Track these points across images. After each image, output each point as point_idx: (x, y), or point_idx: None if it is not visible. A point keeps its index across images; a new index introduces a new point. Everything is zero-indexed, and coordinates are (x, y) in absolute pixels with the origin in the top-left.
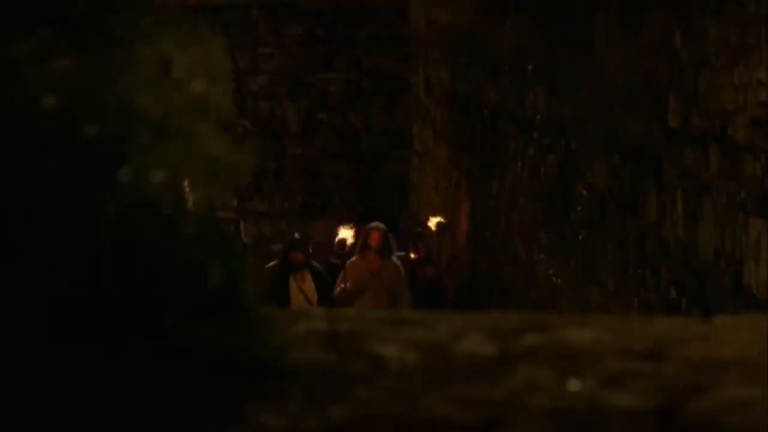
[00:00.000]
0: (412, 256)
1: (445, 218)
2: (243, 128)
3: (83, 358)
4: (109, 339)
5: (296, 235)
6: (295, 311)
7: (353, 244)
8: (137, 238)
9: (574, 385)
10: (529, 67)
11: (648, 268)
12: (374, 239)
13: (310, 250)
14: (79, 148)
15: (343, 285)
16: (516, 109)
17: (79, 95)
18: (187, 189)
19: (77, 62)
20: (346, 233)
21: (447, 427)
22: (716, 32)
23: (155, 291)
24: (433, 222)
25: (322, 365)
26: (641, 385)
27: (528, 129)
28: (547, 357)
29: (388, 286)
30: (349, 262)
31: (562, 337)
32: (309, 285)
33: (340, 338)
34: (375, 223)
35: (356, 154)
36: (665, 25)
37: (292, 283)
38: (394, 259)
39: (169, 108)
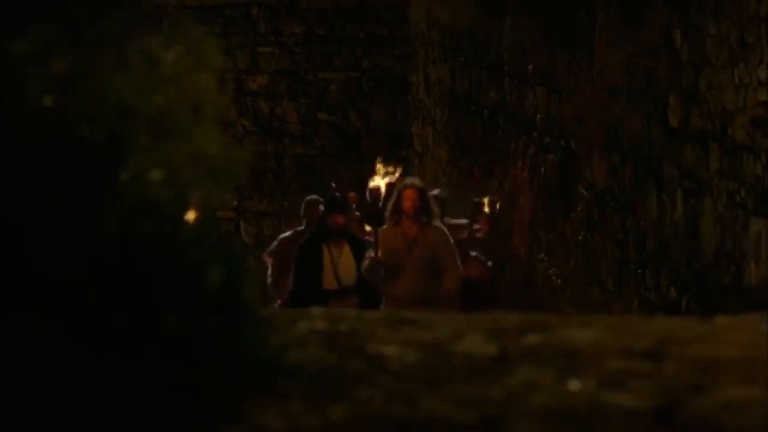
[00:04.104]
0: (477, 227)
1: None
2: (243, 128)
3: (84, 357)
4: (110, 339)
5: (336, 194)
6: (297, 310)
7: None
8: (137, 239)
9: (574, 385)
10: (529, 67)
11: (648, 268)
12: (408, 200)
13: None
14: (80, 148)
15: (372, 255)
16: (516, 109)
17: (78, 95)
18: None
19: (77, 62)
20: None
21: (447, 427)
22: (716, 32)
23: (156, 291)
24: (485, 200)
25: (322, 365)
26: (641, 385)
27: (528, 129)
28: (548, 357)
29: (429, 258)
30: (380, 230)
31: (562, 337)
32: (346, 258)
33: (340, 338)
34: (409, 179)
35: (356, 154)
36: (665, 25)
37: (325, 254)
38: (437, 223)
39: (167, 108)
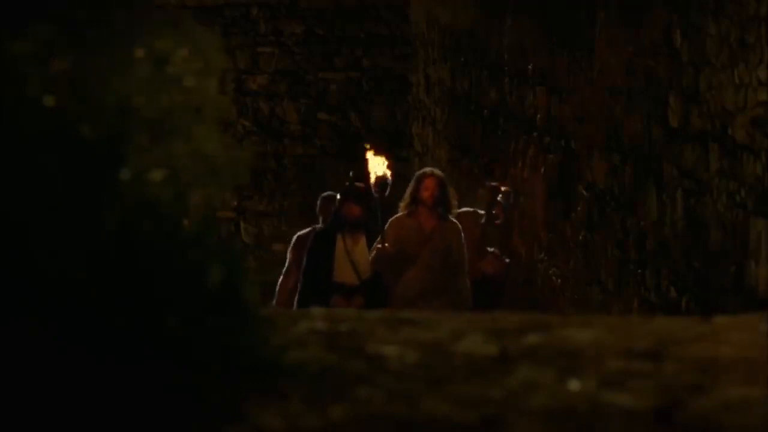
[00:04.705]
0: (494, 212)
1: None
2: (243, 128)
3: (84, 357)
4: (110, 339)
5: (355, 183)
6: (297, 311)
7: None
8: (137, 239)
9: (574, 385)
10: (529, 67)
11: (648, 268)
12: (428, 189)
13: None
14: (79, 148)
15: (379, 246)
16: (516, 109)
17: (78, 95)
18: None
19: (76, 62)
20: (379, 164)
21: (447, 427)
22: (716, 32)
23: (156, 291)
24: (503, 187)
25: (322, 365)
26: (641, 385)
27: (528, 129)
28: (548, 357)
29: (443, 254)
30: (393, 218)
31: (562, 337)
32: (362, 251)
33: (340, 338)
34: (429, 168)
35: (356, 154)
36: (665, 25)
37: (339, 245)
38: (452, 218)
39: (167, 107)
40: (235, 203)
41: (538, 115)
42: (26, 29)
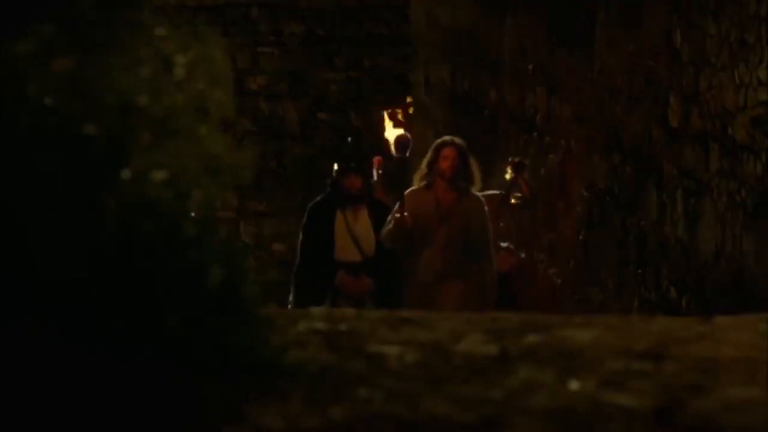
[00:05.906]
0: (514, 200)
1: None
2: (243, 128)
3: (84, 357)
4: (110, 338)
5: (353, 151)
6: (297, 311)
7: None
8: (137, 239)
9: (574, 385)
10: (529, 67)
11: (648, 268)
12: (447, 160)
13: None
14: (80, 148)
15: (399, 214)
16: (516, 109)
17: (79, 95)
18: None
19: (77, 62)
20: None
21: (447, 427)
22: (716, 32)
23: (156, 291)
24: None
25: (322, 365)
26: (641, 385)
27: (528, 129)
28: (547, 357)
29: (462, 232)
30: (408, 191)
31: (562, 337)
32: (364, 225)
33: (340, 338)
34: (449, 137)
35: (356, 154)
36: (665, 25)
37: (339, 220)
38: (475, 192)
39: (169, 108)
40: (235, 203)
41: (538, 115)
42: (27, 29)
